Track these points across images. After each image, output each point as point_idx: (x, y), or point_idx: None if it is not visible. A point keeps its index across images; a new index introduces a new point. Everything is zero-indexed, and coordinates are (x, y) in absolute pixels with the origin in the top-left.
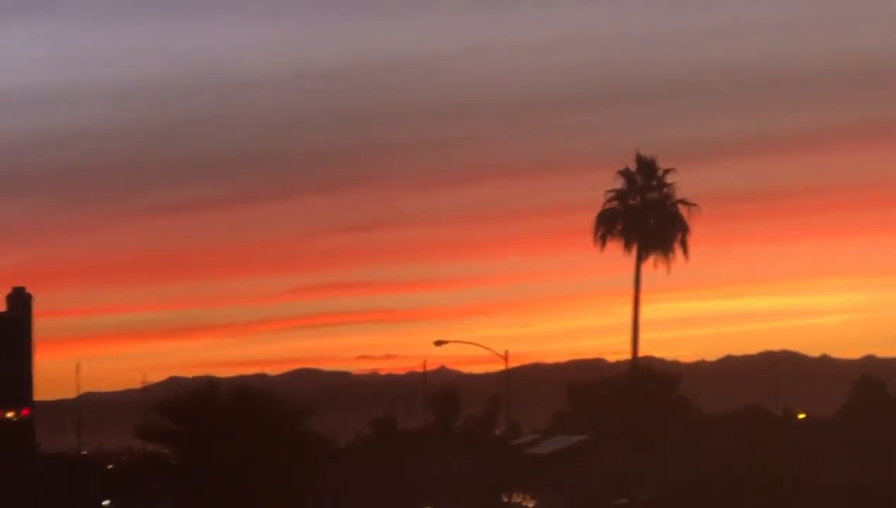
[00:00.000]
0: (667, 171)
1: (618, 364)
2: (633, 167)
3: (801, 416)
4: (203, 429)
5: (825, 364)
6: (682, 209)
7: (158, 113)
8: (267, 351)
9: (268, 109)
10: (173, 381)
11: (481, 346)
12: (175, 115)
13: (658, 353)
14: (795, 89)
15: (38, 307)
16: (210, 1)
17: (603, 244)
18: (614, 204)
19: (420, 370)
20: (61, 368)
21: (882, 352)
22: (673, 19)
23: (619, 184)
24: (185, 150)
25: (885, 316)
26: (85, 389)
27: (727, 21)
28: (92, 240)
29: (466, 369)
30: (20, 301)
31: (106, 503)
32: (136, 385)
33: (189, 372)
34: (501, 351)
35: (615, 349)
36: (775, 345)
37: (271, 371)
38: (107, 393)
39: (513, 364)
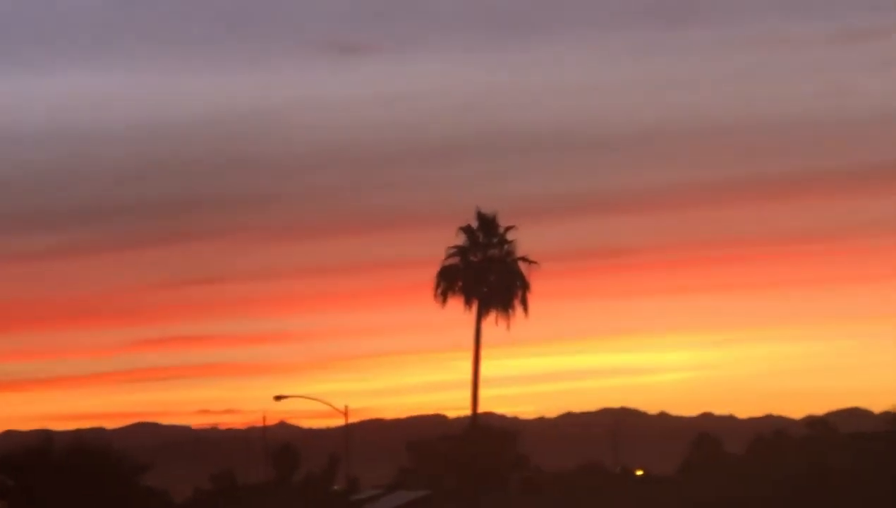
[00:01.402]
0: (508, 228)
1: (458, 420)
2: (474, 223)
3: (639, 473)
4: (38, 485)
5: (663, 421)
6: (523, 266)
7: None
8: (105, 404)
9: (111, 161)
10: (8, 435)
11: (321, 401)
12: (18, 164)
13: (498, 409)
14: (636, 148)
15: None
16: (57, 50)
17: (444, 300)
18: (455, 260)
19: (260, 424)
20: None
21: (719, 410)
22: (515, 76)
23: (461, 240)
24: (24, 200)
25: (723, 374)
26: None
27: (569, 79)
28: None
29: (307, 424)
30: None
31: None
32: None
33: (25, 426)
34: (341, 406)
35: (455, 405)
36: (614, 402)
37: (109, 425)
38: None
39: (353, 419)
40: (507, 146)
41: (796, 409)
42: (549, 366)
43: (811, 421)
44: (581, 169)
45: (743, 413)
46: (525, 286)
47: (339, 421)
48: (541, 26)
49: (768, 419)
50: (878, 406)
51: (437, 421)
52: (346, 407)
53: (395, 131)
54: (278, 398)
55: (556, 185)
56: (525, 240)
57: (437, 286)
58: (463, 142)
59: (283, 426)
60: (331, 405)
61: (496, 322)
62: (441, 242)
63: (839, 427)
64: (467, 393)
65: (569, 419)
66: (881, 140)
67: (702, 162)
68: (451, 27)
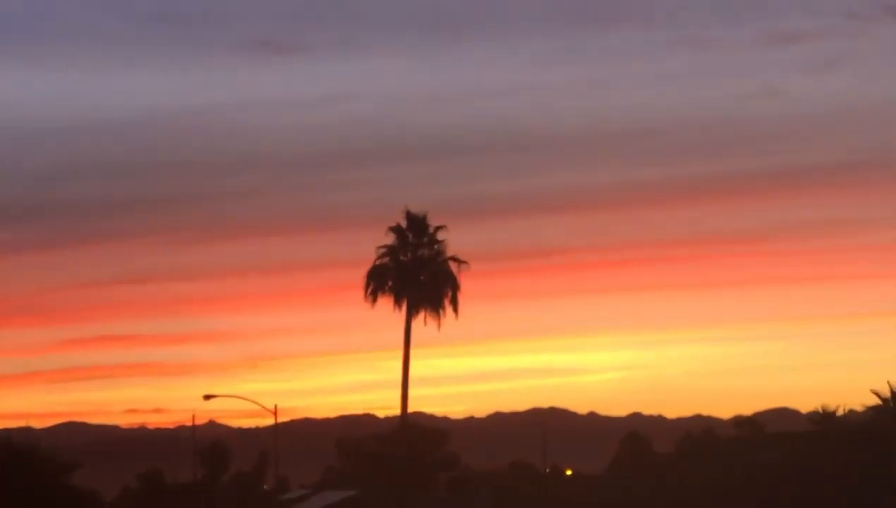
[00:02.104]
0: (438, 228)
1: (387, 419)
2: (404, 223)
3: (569, 472)
4: None
5: (593, 421)
6: (453, 266)
7: None
8: (33, 404)
9: (41, 159)
10: None
11: (250, 401)
12: None
13: (428, 409)
14: (566, 148)
15: None
16: None
17: (374, 300)
18: (385, 260)
19: (189, 424)
20: None
21: (648, 410)
22: (446, 79)
23: (391, 240)
24: None
25: (651, 375)
26: None
27: (499, 81)
28: None
29: (236, 423)
30: None
31: None
32: None
33: None
34: (271, 406)
35: (385, 405)
36: (544, 402)
37: (37, 424)
38: None
39: (282, 418)
40: (436, 146)
41: (725, 409)
42: (479, 366)
43: (739, 421)
44: (511, 169)
45: (672, 413)
46: (455, 286)
47: (268, 421)
48: (470, 28)
49: (697, 419)
50: (805, 406)
51: (367, 420)
52: (276, 406)
53: (325, 132)
54: (207, 397)
55: (486, 186)
56: (455, 240)
57: (367, 286)
58: (393, 143)
59: (212, 425)
60: (260, 404)
61: (426, 322)
62: (371, 242)
63: (767, 426)
64: (397, 393)
65: (498, 418)
66: (810, 141)
67: (632, 163)
68: (380, 28)
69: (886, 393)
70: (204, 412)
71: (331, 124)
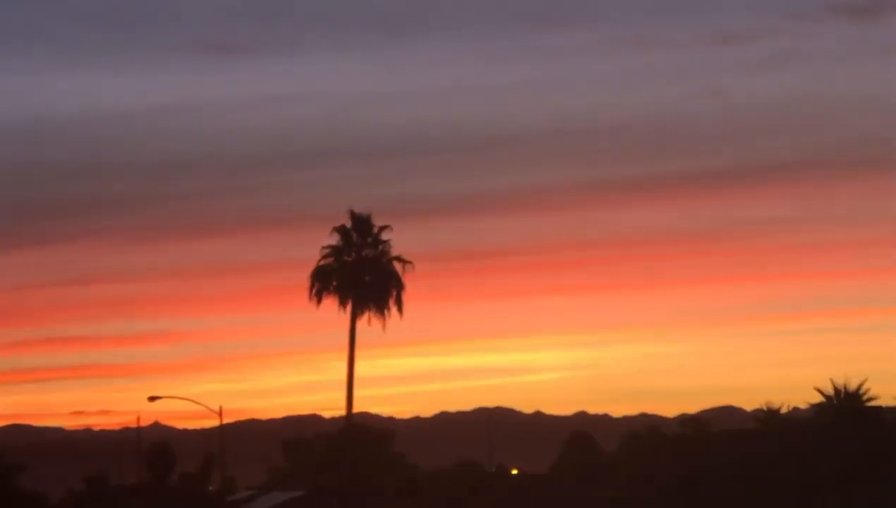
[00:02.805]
0: (382, 228)
1: (333, 420)
2: (348, 224)
3: (514, 472)
4: None
5: (538, 420)
6: (398, 266)
7: None
8: None
9: None
10: None
11: (195, 402)
12: None
13: (374, 409)
14: (512, 150)
15: None
16: None
17: (318, 300)
18: (330, 260)
19: (134, 425)
20: None
21: (593, 409)
22: (390, 79)
23: (335, 240)
24: None
25: (597, 374)
26: None
27: (445, 81)
28: None
29: (181, 425)
30: None
31: None
32: None
33: None
34: (216, 407)
35: (331, 405)
36: (490, 402)
37: None
38: None
39: (228, 420)
40: (383, 147)
41: (670, 408)
42: (424, 366)
43: (684, 419)
44: (456, 170)
45: (617, 411)
46: (400, 286)
47: (213, 422)
48: (417, 28)
49: (642, 417)
50: (750, 403)
51: (313, 421)
52: (221, 407)
53: (271, 132)
54: (152, 399)
55: (431, 186)
56: (400, 241)
57: (312, 286)
58: (338, 143)
59: (157, 427)
60: (205, 405)
61: (371, 322)
62: (316, 243)
63: (712, 424)
64: (342, 394)
65: (444, 418)
66: (755, 141)
67: (578, 162)
68: (325, 28)
69: (830, 390)
70: (149, 413)
71: (276, 125)
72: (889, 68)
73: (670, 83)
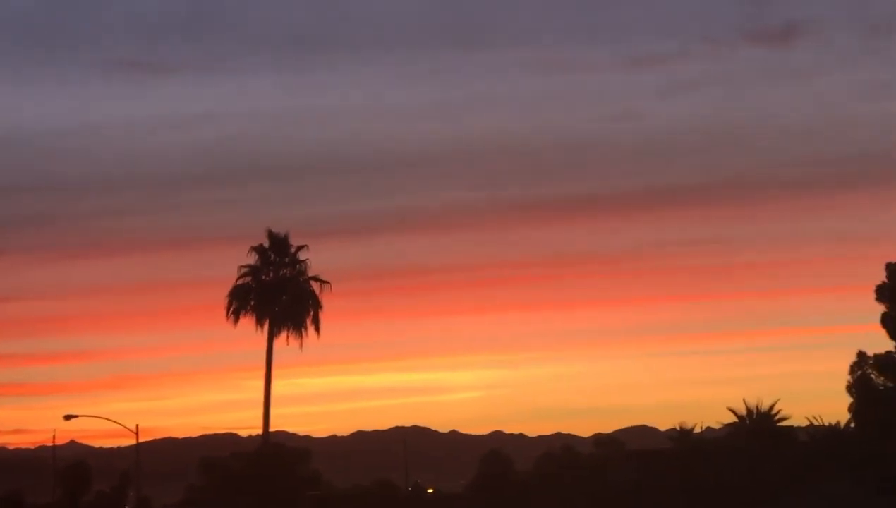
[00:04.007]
0: (299, 248)
1: (250, 439)
2: (266, 243)
3: (430, 491)
4: None
5: (454, 439)
6: (315, 285)
7: None
8: None
9: None
10: None
11: (112, 420)
12: None
13: (290, 428)
14: (428, 169)
15: None
16: None
17: (236, 319)
18: (247, 279)
19: (50, 444)
20: None
21: (509, 428)
22: (309, 97)
23: (253, 259)
24: None
25: (513, 393)
26: None
27: (365, 100)
28: None
29: (97, 443)
30: None
31: None
32: None
33: None
34: (132, 426)
35: (247, 424)
36: (406, 421)
37: None
38: None
39: (144, 438)
40: (302, 166)
41: (585, 427)
42: (341, 385)
43: (599, 439)
44: (373, 189)
45: (533, 431)
46: (317, 305)
47: (130, 441)
48: (337, 47)
49: (557, 437)
50: (664, 423)
51: (230, 439)
52: (137, 426)
53: (188, 151)
54: (68, 417)
55: (348, 205)
56: (317, 260)
57: (229, 305)
58: (256, 163)
59: (73, 445)
60: (121, 424)
61: (288, 341)
62: (234, 262)
63: (627, 444)
64: (259, 412)
65: (361, 437)
66: (668, 164)
67: (493, 183)
68: (242, 48)
69: (742, 410)
70: (65, 432)
71: (193, 144)
72: (801, 92)
73: (583, 105)
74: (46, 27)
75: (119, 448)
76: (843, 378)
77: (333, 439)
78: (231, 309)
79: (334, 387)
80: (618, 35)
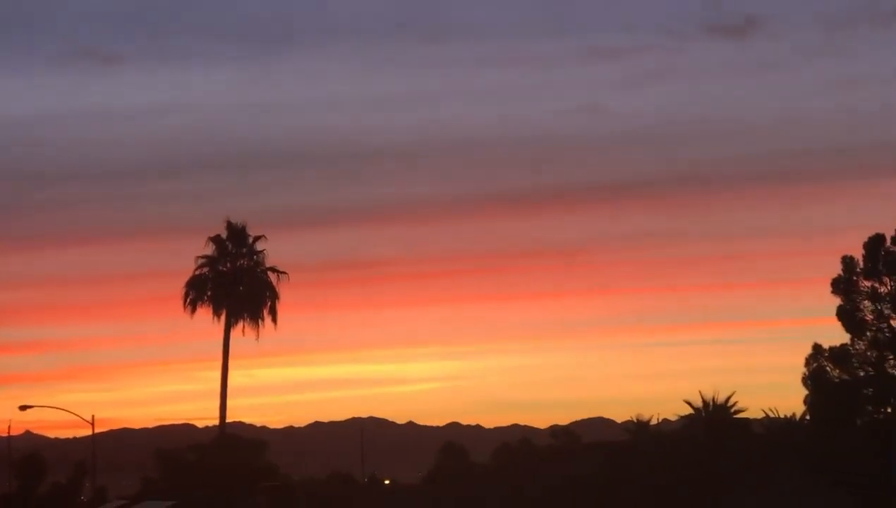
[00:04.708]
0: (257, 239)
1: (207, 430)
2: (224, 234)
3: (387, 482)
4: None
5: (411, 431)
6: (272, 276)
7: None
8: None
9: None
10: None
11: (67, 411)
12: None
13: (247, 419)
14: (387, 161)
15: None
16: None
17: (193, 310)
18: (204, 270)
19: (5, 434)
20: None
21: (466, 420)
22: (267, 88)
23: (210, 250)
24: None
25: (469, 385)
26: None
27: (322, 92)
28: None
29: (53, 434)
30: None
31: None
32: None
33: None
34: (88, 416)
35: (204, 415)
36: (363, 412)
37: None
38: None
39: (100, 429)
40: (259, 158)
41: (542, 419)
42: (298, 376)
43: (556, 431)
44: (331, 180)
45: (489, 423)
46: (274, 296)
47: (86, 431)
48: (291, 39)
49: (514, 428)
50: (620, 415)
51: (186, 430)
52: (94, 416)
53: (146, 142)
54: (23, 408)
55: (306, 197)
56: (275, 251)
57: (186, 296)
58: (215, 154)
59: (28, 436)
60: (77, 414)
61: (245, 332)
62: (192, 253)
63: (583, 436)
64: (216, 403)
65: (317, 428)
66: (628, 157)
67: (452, 176)
68: (201, 39)
69: (699, 402)
70: (20, 422)
71: (151, 135)
72: (761, 86)
73: (545, 98)
74: (6, 18)
75: (75, 438)
76: (799, 370)
77: (290, 430)
78: (188, 300)
79: (291, 378)
80: (578, 28)
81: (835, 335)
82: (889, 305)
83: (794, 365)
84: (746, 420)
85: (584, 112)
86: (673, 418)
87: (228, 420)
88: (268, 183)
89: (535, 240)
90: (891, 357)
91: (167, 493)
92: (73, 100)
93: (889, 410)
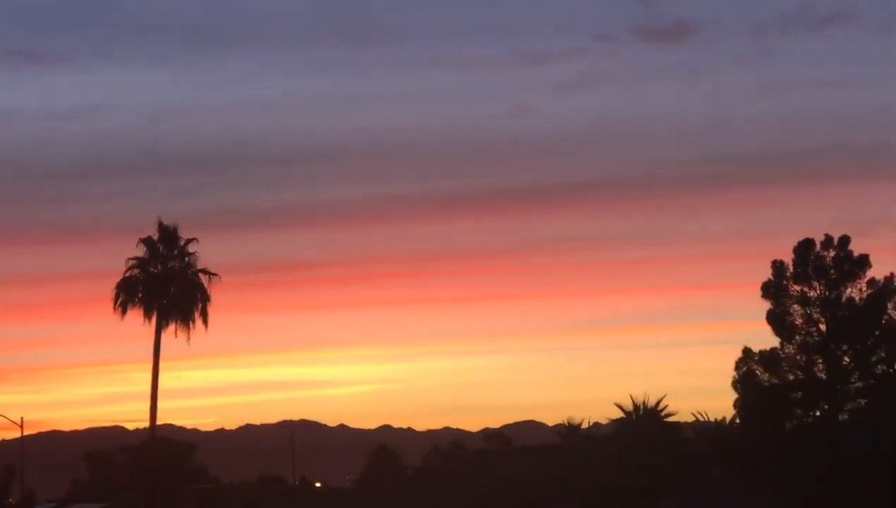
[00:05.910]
0: (189, 240)
1: (137, 432)
2: (155, 235)
3: (318, 485)
4: None
5: (343, 433)
6: (204, 278)
7: None
8: None
9: None
10: None
11: None
12: None
13: (178, 421)
14: (321, 163)
15: None
16: None
17: (123, 312)
18: (135, 271)
19: None
20: None
21: (397, 423)
22: (201, 91)
23: (141, 252)
24: None
25: (401, 388)
26: None
27: (255, 95)
28: None
29: None
30: None
31: None
32: None
33: None
34: (17, 418)
35: (134, 417)
36: (294, 415)
37: None
38: None
39: (29, 431)
40: (192, 159)
41: (474, 422)
42: (229, 378)
43: (488, 434)
44: (264, 182)
45: (421, 425)
46: (205, 298)
47: (14, 433)
48: (229, 41)
49: (446, 431)
50: (552, 419)
51: (116, 432)
52: (22, 418)
53: (79, 142)
54: None
55: (239, 198)
56: (207, 253)
57: (117, 297)
58: (148, 155)
59: None
60: (6, 416)
61: (176, 334)
62: (123, 254)
63: (515, 439)
64: (146, 405)
65: (248, 431)
66: (560, 160)
67: (385, 177)
68: (137, 39)
69: (629, 406)
70: None
71: (84, 135)
72: (691, 90)
73: (478, 101)
74: None
75: (3, 441)
76: (729, 374)
77: (221, 433)
78: (118, 302)
79: (222, 381)
80: (512, 32)
81: (765, 339)
82: (818, 309)
83: (725, 368)
84: (676, 423)
85: (516, 115)
86: (604, 421)
87: (159, 422)
88: (199, 184)
89: (466, 243)
90: (820, 361)
91: (96, 495)
92: (3, 100)
93: (817, 413)
